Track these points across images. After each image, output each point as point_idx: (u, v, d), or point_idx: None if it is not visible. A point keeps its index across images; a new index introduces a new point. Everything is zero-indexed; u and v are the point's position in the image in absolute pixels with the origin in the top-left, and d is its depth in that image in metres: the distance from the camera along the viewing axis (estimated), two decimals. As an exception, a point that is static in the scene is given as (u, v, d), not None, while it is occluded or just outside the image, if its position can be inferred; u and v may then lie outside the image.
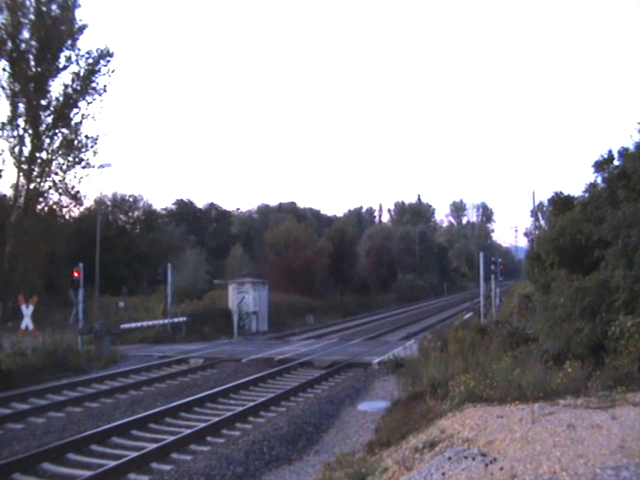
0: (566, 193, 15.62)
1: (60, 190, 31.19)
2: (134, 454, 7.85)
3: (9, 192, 31.02)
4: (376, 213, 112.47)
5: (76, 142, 31.22)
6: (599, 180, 13.38)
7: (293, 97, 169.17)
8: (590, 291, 10.17)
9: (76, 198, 32.02)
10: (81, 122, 31.30)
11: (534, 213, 57.80)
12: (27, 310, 15.74)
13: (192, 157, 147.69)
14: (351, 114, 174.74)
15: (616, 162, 12.80)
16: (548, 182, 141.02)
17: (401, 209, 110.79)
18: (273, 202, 68.98)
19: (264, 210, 65.56)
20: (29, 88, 29.62)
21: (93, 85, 31.38)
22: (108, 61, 31.65)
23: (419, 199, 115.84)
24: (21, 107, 29.92)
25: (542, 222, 62.71)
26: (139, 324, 22.94)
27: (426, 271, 74.13)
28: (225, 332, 25.95)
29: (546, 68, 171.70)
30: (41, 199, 31.03)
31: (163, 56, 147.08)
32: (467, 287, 78.20)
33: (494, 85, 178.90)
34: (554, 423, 6.23)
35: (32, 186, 30.28)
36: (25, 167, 30.12)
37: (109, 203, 45.27)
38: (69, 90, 30.83)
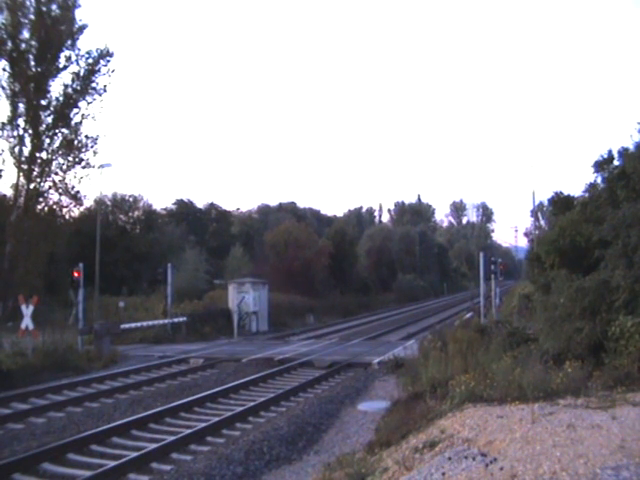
0: (566, 193, 15.63)
1: (60, 190, 31.23)
2: (134, 454, 7.85)
3: (9, 192, 31.12)
4: (376, 213, 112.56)
5: (76, 142, 31.24)
6: (599, 180, 13.39)
7: (293, 97, 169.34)
8: (590, 291, 10.18)
9: (76, 198, 32.04)
10: (81, 122, 31.37)
11: (534, 213, 57.88)
12: (27, 310, 15.74)
13: (192, 157, 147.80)
14: (351, 114, 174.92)
15: (616, 162, 12.80)
16: (548, 182, 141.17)
17: (401, 209, 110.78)
18: (273, 202, 69.01)
19: (264, 210, 65.53)
20: (29, 88, 29.61)
21: (93, 85, 31.44)
22: (108, 61, 31.72)
23: (419, 199, 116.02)
24: (21, 107, 29.96)
25: (542, 222, 62.76)
26: (139, 324, 22.94)
27: (426, 271, 74.13)
28: (225, 332, 25.96)
29: (546, 68, 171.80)
30: (41, 199, 31.05)
31: (163, 56, 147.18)
32: (467, 287, 78.12)
33: (494, 85, 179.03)
34: (554, 423, 6.23)
35: (32, 186, 30.29)
36: (25, 167, 30.13)
37: (109, 203, 45.25)
38: (69, 90, 30.86)
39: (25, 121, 30.03)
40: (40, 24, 29.41)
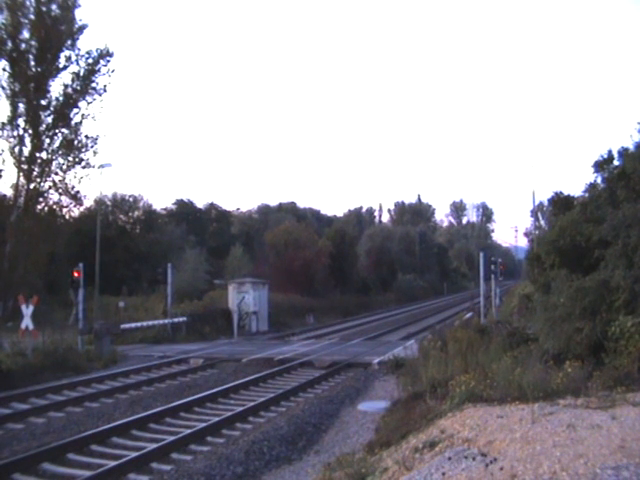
0: (566, 193, 15.59)
1: (60, 190, 31.27)
2: (134, 454, 7.85)
3: (9, 192, 31.10)
4: (376, 213, 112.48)
5: (76, 142, 31.28)
6: (599, 180, 13.37)
7: (293, 97, 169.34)
8: (590, 291, 10.17)
9: (76, 198, 32.06)
10: (81, 122, 31.42)
11: (534, 213, 57.90)
12: (27, 310, 15.73)
13: (192, 157, 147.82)
14: (351, 114, 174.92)
15: (616, 162, 12.79)
16: (548, 182, 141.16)
17: (401, 209, 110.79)
18: (273, 202, 69.07)
19: (264, 210, 65.54)
20: (29, 88, 29.64)
21: (93, 85, 31.49)
22: (108, 61, 31.76)
23: (419, 199, 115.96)
24: (21, 107, 29.99)
25: (542, 222, 62.76)
26: (139, 324, 22.95)
27: (426, 271, 74.12)
28: (225, 332, 25.96)
29: (546, 68, 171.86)
30: (41, 199, 31.08)
31: (163, 56, 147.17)
32: (467, 287, 78.17)
33: (494, 85, 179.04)
34: (554, 423, 6.23)
35: (32, 186, 30.31)
36: (25, 167, 30.14)
37: (109, 203, 45.26)
38: (69, 90, 30.88)
39: (25, 121, 30.04)
40: (40, 24, 29.42)
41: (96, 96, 31.46)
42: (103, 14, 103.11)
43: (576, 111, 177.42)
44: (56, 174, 30.90)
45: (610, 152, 12.93)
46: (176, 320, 24.39)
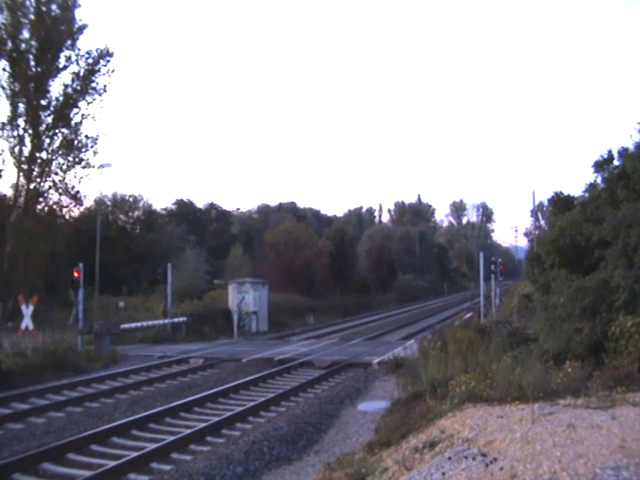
0: (566, 193, 15.61)
1: (60, 190, 31.23)
2: (134, 454, 7.85)
3: (9, 192, 31.07)
4: (376, 213, 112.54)
5: (76, 142, 31.25)
6: (599, 180, 13.39)
7: (293, 97, 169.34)
8: (590, 291, 10.18)
9: (76, 198, 32.03)
10: (81, 122, 31.36)
11: (534, 213, 57.97)
12: (27, 310, 15.73)
13: (192, 157, 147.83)
14: (351, 114, 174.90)
15: (616, 162, 12.80)
16: (548, 182, 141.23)
17: (401, 209, 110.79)
18: (273, 202, 69.16)
19: (264, 210, 65.57)
20: (29, 88, 29.62)
21: (93, 85, 31.43)
22: (108, 61, 31.70)
23: (419, 199, 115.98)
24: (21, 107, 29.95)
25: (542, 222, 62.81)
26: (139, 324, 22.95)
27: (426, 271, 74.09)
28: (225, 332, 25.96)
29: (546, 68, 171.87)
30: (41, 199, 31.04)
31: (163, 56, 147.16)
32: (467, 287, 78.11)
33: (494, 85, 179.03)
34: (554, 423, 6.23)
35: (32, 186, 30.28)
36: (25, 167, 30.12)
37: (109, 203, 45.28)
38: (69, 90, 30.85)
39: (25, 121, 30.02)
40: (40, 24, 29.39)
41: (96, 96, 31.44)
42: (103, 14, 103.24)
43: (576, 111, 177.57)
44: (56, 174, 30.90)
45: (610, 152, 12.95)
46: (176, 320, 24.39)
